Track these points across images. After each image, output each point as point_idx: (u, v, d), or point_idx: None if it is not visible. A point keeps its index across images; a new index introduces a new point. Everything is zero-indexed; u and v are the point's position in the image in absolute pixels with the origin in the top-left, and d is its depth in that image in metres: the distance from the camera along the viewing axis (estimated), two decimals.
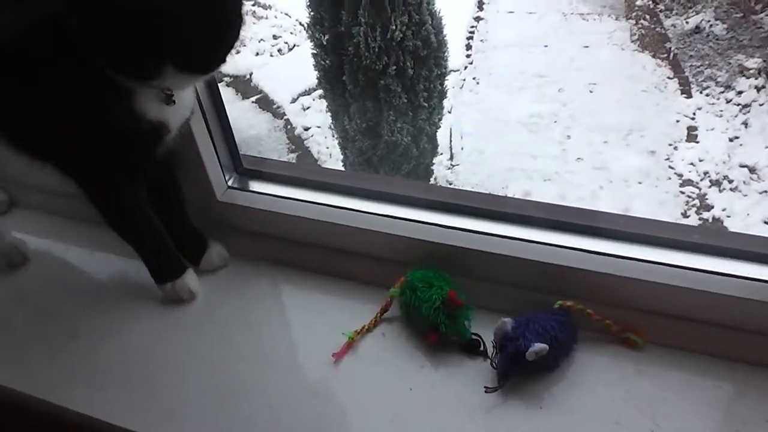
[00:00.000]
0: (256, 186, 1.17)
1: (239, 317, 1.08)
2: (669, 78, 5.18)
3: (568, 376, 0.94)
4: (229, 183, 1.16)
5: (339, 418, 0.92)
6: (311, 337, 1.02)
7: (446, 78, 3.92)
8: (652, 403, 0.90)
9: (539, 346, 0.89)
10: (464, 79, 5.37)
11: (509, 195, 4.22)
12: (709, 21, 5.41)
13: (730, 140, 4.69)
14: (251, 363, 1.01)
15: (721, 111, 4.87)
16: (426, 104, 3.69)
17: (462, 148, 4.76)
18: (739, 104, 4.87)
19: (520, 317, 0.95)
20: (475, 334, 0.99)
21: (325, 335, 1.00)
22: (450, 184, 4.39)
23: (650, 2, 5.76)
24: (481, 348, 0.99)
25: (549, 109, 5.03)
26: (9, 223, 1.24)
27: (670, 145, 4.73)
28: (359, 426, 0.92)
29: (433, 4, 3.53)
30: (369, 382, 0.96)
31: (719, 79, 5.01)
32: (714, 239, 0.98)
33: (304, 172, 1.24)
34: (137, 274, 1.13)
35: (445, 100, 4.01)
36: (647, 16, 5.68)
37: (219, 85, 1.08)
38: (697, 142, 4.71)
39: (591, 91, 5.11)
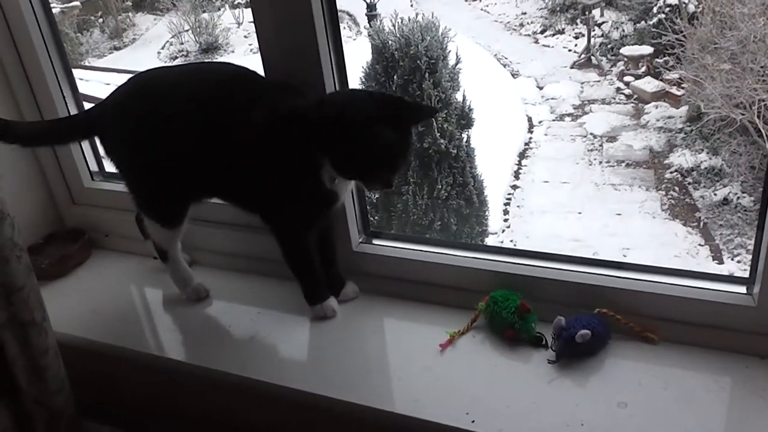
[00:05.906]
0: (377, 242, 1.63)
1: (369, 328, 1.52)
2: (700, 245, 5.36)
3: (605, 360, 1.31)
4: (360, 240, 1.61)
5: (445, 381, 1.32)
6: (422, 339, 1.42)
7: (487, 236, 4.17)
8: (661, 374, 1.27)
9: (584, 332, 1.26)
10: (502, 241, 5.56)
11: None
12: (736, 194, 5.68)
13: None
14: (380, 353, 1.49)
15: None
16: None
17: None
18: None
19: (570, 318, 1.30)
20: (539, 333, 1.34)
21: (432, 337, 1.40)
22: None
23: (679, 175, 6.09)
24: (543, 342, 1.33)
25: None
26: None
27: None
28: (460, 386, 1.30)
29: (476, 168, 3.84)
30: (466, 364, 1.36)
31: (749, 247, 5.18)
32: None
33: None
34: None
35: None
36: (676, 188, 5.98)
37: None
38: None
39: (625, 256, 5.28)
